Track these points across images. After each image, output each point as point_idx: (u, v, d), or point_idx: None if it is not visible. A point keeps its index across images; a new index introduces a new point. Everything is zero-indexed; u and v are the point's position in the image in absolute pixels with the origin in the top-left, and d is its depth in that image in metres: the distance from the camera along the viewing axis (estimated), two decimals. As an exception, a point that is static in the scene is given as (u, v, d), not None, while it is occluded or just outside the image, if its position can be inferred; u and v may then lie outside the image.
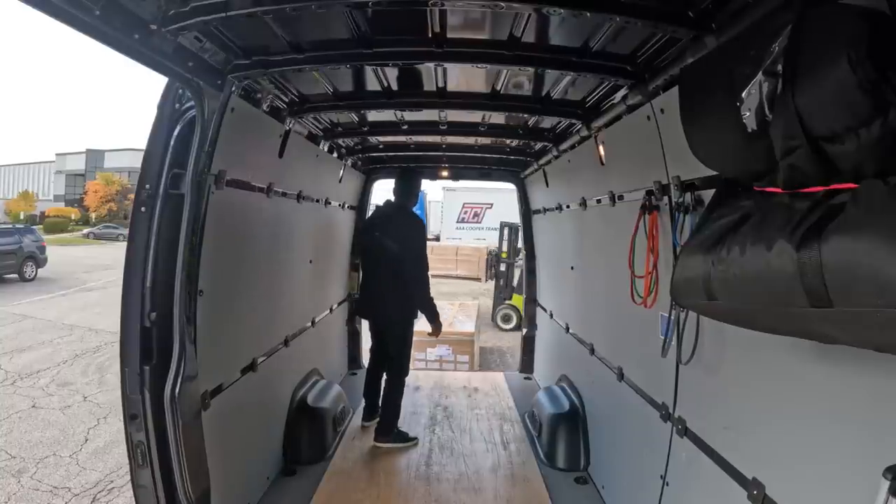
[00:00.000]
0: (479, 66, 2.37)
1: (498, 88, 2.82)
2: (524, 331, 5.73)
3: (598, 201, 3.19)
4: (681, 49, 1.85)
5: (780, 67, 1.13)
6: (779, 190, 1.20)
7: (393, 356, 3.88)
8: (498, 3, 1.70)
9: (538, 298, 5.48)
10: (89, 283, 16.02)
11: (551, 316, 4.82)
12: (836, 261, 0.96)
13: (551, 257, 4.94)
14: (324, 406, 3.74)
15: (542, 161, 4.38)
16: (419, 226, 3.87)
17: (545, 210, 4.81)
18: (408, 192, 3.96)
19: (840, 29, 1.00)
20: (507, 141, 4.25)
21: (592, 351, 3.42)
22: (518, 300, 10.27)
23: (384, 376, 3.96)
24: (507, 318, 10.95)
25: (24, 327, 10.14)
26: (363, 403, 4.17)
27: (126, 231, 2.35)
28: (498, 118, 3.58)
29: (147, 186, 2.10)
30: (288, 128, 3.08)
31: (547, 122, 3.53)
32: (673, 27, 1.75)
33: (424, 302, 3.84)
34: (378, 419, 3.87)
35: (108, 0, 1.48)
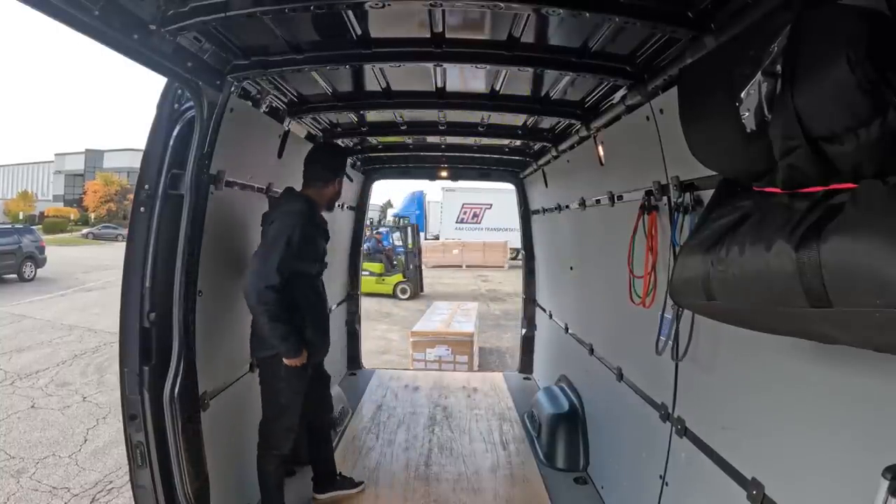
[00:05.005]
0: (478, 66, 2.37)
1: (497, 88, 2.82)
2: (523, 331, 5.73)
3: (598, 201, 3.19)
4: (680, 49, 1.85)
5: (779, 68, 1.14)
6: (778, 190, 1.21)
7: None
8: (497, 3, 1.70)
9: (537, 298, 5.48)
10: (88, 283, 15.98)
11: (550, 316, 4.82)
12: (835, 261, 0.96)
13: (550, 258, 4.94)
14: (323, 406, 3.73)
15: (541, 161, 4.38)
16: (287, 213, 2.53)
17: (544, 210, 4.81)
18: (310, 169, 2.77)
19: (839, 29, 1.01)
20: (507, 141, 4.24)
21: (592, 351, 3.42)
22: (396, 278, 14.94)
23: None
24: (403, 291, 15.01)
25: (23, 327, 10.11)
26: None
27: (125, 231, 2.35)
28: (497, 118, 3.58)
29: (146, 186, 2.10)
30: (287, 128, 3.08)
31: (546, 122, 3.53)
32: (672, 27, 1.75)
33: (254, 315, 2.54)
34: (334, 489, 3.09)
35: (107, 0, 1.49)
